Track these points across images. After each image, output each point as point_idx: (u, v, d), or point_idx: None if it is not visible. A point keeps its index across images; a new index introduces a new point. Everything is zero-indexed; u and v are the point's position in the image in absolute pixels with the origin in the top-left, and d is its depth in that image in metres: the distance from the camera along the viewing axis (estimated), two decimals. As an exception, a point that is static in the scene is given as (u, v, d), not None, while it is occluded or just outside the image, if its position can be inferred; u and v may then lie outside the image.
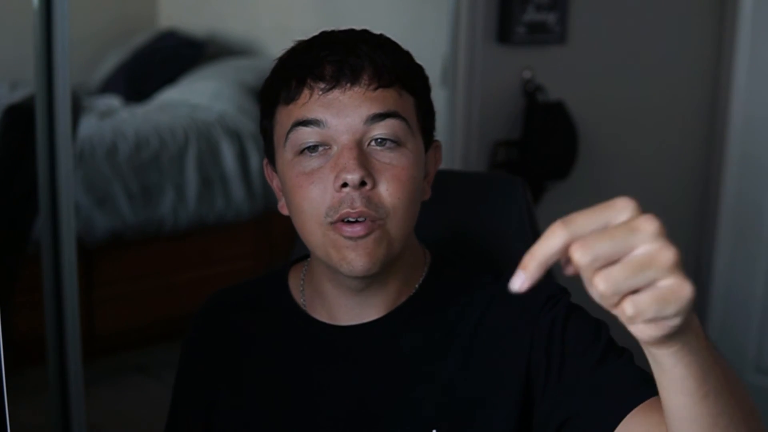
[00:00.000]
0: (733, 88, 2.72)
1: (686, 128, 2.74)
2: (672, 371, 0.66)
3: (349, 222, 0.92)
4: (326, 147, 0.94)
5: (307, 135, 0.93)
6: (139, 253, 2.92)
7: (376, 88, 0.93)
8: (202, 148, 3.05)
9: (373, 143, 0.93)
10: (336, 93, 0.93)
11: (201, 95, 3.31)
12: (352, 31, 0.99)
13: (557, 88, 2.26)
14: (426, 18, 2.54)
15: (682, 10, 2.60)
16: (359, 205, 0.91)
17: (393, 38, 1.01)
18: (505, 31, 2.12)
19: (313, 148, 0.94)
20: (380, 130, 0.93)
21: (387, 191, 0.93)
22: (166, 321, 2.87)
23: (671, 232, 0.59)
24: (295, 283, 1.07)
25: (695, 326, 0.64)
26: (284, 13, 3.61)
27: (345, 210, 0.91)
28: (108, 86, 3.57)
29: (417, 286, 1.03)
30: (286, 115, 0.96)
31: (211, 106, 3.23)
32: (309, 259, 1.07)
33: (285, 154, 0.96)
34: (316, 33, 1.02)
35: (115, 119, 3.09)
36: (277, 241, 3.10)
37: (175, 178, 2.97)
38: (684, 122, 2.73)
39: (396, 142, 0.94)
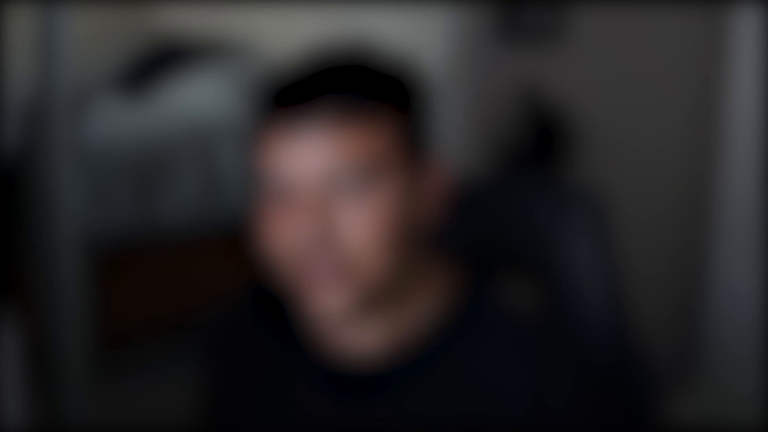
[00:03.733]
0: (732, 88, 2.72)
1: (686, 129, 2.74)
2: None
3: None
4: None
5: None
6: (138, 255, 2.92)
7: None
8: (202, 150, 3.05)
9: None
10: None
11: (201, 95, 3.31)
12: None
13: (557, 88, 2.26)
14: (426, 18, 2.54)
15: (683, 10, 2.60)
16: None
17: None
18: (505, 32, 2.12)
19: None
20: None
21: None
22: (167, 321, 2.87)
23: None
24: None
25: None
26: (284, 13, 3.61)
27: None
28: (108, 86, 3.57)
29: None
30: None
31: (212, 107, 3.23)
32: None
33: None
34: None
35: (115, 119, 3.10)
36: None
37: (175, 179, 2.97)
38: (684, 123, 2.73)
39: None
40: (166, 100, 3.39)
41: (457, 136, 2.12)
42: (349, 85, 0.91)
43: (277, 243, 0.92)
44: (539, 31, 2.20)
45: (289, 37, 3.49)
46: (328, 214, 0.89)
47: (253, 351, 1.03)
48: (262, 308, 1.05)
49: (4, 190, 2.16)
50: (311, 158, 0.89)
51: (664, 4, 2.53)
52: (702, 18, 2.65)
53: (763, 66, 2.62)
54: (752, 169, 2.71)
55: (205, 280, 2.97)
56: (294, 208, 0.90)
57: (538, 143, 2.23)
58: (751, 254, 2.75)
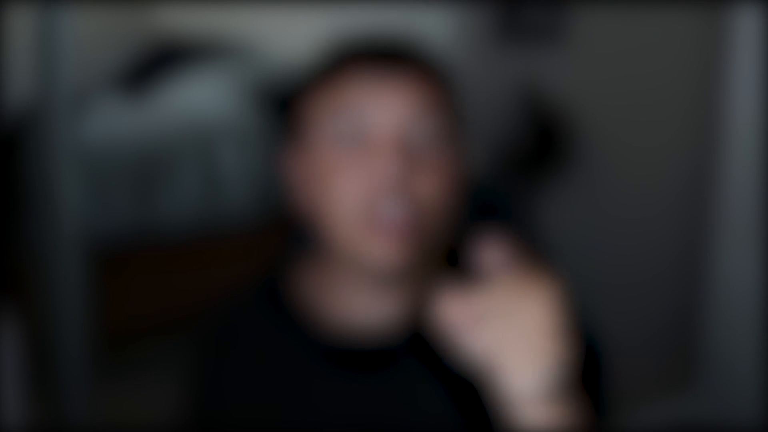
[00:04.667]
0: (732, 87, 2.72)
1: (687, 129, 2.74)
2: None
3: None
4: None
5: None
6: (138, 254, 2.92)
7: None
8: (202, 149, 3.06)
9: None
10: None
11: (201, 95, 3.32)
12: None
13: (557, 88, 2.26)
14: (425, 17, 2.55)
15: (683, 9, 2.60)
16: None
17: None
18: (505, 31, 2.12)
19: None
20: None
21: None
22: (167, 321, 2.88)
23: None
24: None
25: None
26: (283, 13, 3.61)
27: None
28: (108, 86, 3.57)
29: None
30: None
31: (212, 107, 3.23)
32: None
33: None
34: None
35: (115, 119, 3.10)
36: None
37: (175, 178, 2.97)
38: (684, 123, 2.73)
39: None
40: (166, 100, 3.39)
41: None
42: (419, 54, 0.96)
43: (346, 187, 0.90)
44: (539, 31, 2.20)
45: (288, 37, 3.50)
46: (408, 159, 0.90)
47: (259, 341, 1.03)
48: (269, 296, 1.05)
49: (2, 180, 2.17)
50: (397, 104, 0.91)
51: (664, 3, 2.53)
52: (702, 17, 2.65)
53: (763, 65, 2.62)
54: (752, 168, 2.71)
55: (205, 280, 2.97)
56: (373, 150, 0.90)
57: (538, 143, 2.23)
58: (751, 254, 2.75)
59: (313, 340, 0.99)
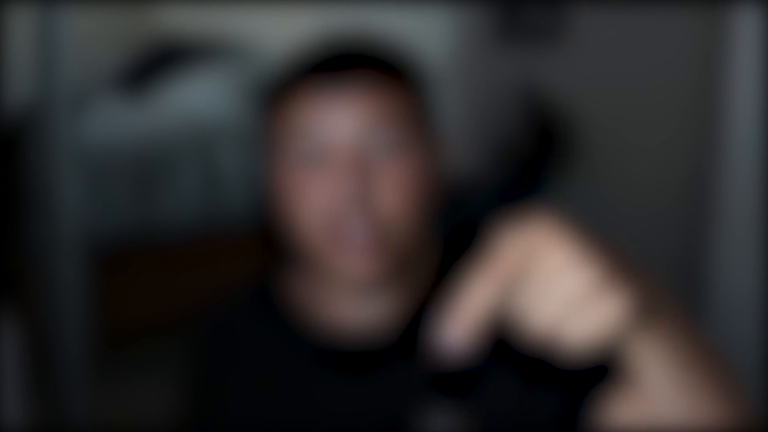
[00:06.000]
0: (732, 86, 2.72)
1: (685, 127, 2.74)
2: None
3: None
4: None
5: None
6: (138, 254, 2.92)
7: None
8: (202, 149, 3.06)
9: None
10: None
11: (201, 95, 3.32)
12: None
13: (557, 88, 2.26)
14: (426, 18, 2.55)
15: (683, 10, 2.60)
16: None
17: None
18: (505, 31, 2.13)
19: None
20: None
21: None
22: (167, 320, 2.88)
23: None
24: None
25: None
26: (283, 13, 3.62)
27: None
28: (108, 86, 3.57)
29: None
30: None
31: (211, 106, 3.23)
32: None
33: None
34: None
35: (115, 119, 3.10)
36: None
37: (175, 178, 2.97)
38: (682, 121, 2.73)
39: None
40: (166, 100, 3.39)
41: (458, 135, 2.13)
42: (377, 60, 0.95)
43: (309, 205, 0.91)
44: (539, 31, 2.20)
45: (288, 37, 3.50)
46: (366, 173, 0.90)
47: (252, 343, 1.04)
48: (261, 300, 1.05)
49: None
50: (348, 119, 0.91)
51: (664, 3, 2.53)
52: (702, 17, 2.66)
53: (763, 65, 2.62)
54: (753, 168, 2.71)
55: (205, 279, 2.97)
56: (330, 168, 0.90)
57: (538, 142, 2.23)
58: (751, 254, 2.76)
59: (305, 342, 1.00)
